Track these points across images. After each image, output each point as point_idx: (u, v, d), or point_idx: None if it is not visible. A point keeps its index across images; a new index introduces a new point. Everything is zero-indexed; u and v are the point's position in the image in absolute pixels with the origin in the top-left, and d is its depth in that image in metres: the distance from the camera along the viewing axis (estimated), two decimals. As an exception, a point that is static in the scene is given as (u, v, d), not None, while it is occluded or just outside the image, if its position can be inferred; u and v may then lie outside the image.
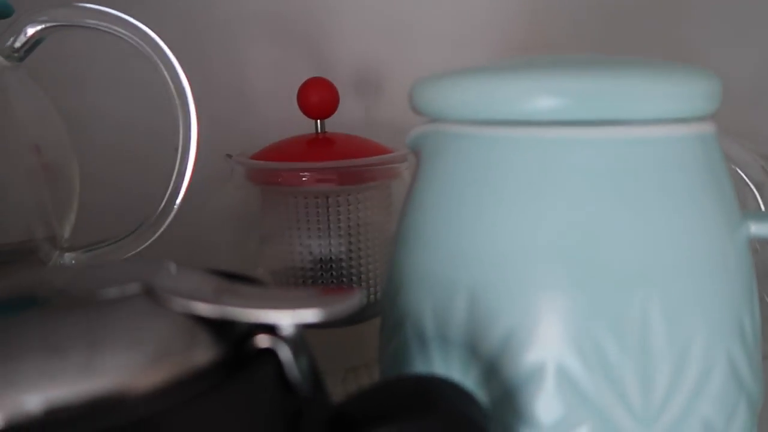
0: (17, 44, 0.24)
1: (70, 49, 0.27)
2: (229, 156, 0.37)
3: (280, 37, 0.44)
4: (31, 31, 0.23)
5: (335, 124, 0.36)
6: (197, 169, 0.32)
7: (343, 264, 0.36)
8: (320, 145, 0.35)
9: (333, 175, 0.33)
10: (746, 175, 0.22)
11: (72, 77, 0.33)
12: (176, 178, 0.26)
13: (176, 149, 0.28)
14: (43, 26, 0.23)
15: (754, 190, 0.23)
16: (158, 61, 0.25)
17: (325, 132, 0.36)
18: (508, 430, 0.18)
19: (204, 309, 0.14)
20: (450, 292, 0.19)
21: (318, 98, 0.34)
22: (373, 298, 0.36)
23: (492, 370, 0.18)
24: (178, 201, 0.26)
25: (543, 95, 0.18)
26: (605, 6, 0.46)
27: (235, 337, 0.14)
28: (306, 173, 0.33)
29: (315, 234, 0.35)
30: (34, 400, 0.12)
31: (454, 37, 0.46)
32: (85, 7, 0.24)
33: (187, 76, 0.26)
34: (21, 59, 0.24)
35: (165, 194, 0.26)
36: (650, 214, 0.18)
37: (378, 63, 0.45)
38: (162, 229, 0.27)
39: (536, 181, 0.18)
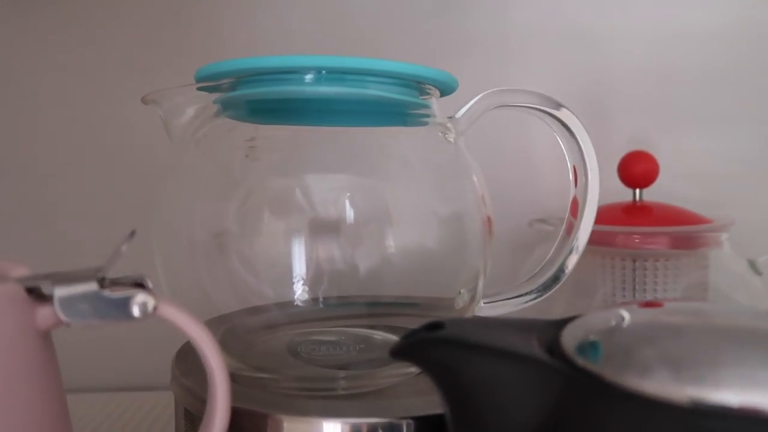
0: (466, 120, 0.28)
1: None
2: (540, 220, 0.40)
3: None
4: (480, 111, 0.28)
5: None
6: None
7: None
8: (639, 211, 0.38)
9: (662, 239, 0.36)
10: None
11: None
12: (575, 234, 0.29)
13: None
14: (495, 107, 0.28)
15: None
16: (570, 131, 0.29)
17: (643, 200, 0.38)
18: None
19: None
20: None
21: (642, 169, 0.37)
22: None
23: None
24: (576, 256, 0.29)
25: None
26: None
27: None
28: (638, 236, 0.36)
29: (629, 293, 0.37)
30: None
31: (717, 120, 0.49)
32: (522, 90, 0.28)
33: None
34: (461, 132, 0.29)
35: (562, 251, 0.30)
36: None
37: (647, 143, 0.48)
38: (558, 286, 0.30)
39: None
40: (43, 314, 0.18)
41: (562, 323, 0.20)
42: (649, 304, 0.22)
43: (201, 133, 0.28)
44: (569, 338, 0.19)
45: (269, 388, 0.26)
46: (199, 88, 0.27)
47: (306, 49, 0.47)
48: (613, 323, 0.19)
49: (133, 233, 0.20)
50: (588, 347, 0.18)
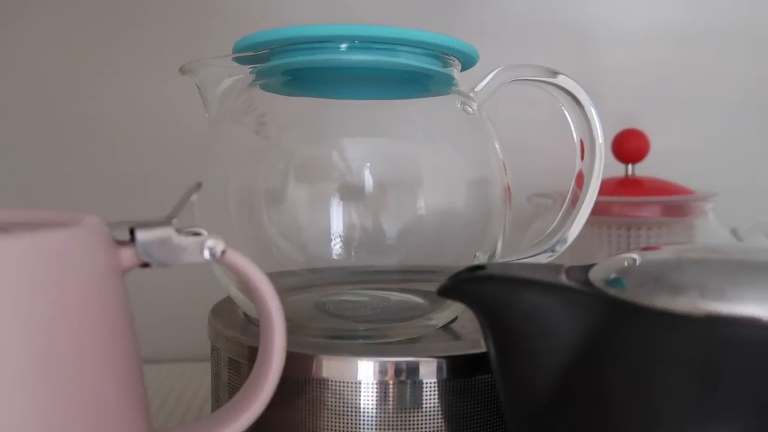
0: (485, 92, 0.30)
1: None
2: (539, 194, 0.43)
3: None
4: (497, 84, 0.30)
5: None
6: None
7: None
8: (632, 184, 0.41)
9: (654, 208, 0.39)
10: None
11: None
12: (581, 204, 0.32)
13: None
14: (510, 81, 0.30)
15: None
16: (578, 103, 0.31)
17: (635, 175, 0.41)
18: None
19: None
20: None
21: (635, 145, 0.40)
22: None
23: None
24: (584, 219, 0.32)
25: None
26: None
27: None
28: (632, 205, 0.39)
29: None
30: None
31: (713, 106, 0.52)
32: (534, 65, 0.30)
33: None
34: (480, 103, 0.31)
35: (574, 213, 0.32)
36: None
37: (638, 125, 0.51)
38: (565, 247, 0.32)
39: None
40: (126, 254, 0.20)
41: (585, 268, 0.23)
42: (649, 248, 0.24)
43: (237, 103, 0.30)
44: (596, 276, 0.21)
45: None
46: (235, 59, 0.29)
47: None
48: (629, 264, 0.22)
49: (199, 184, 0.22)
50: (614, 282, 0.20)
